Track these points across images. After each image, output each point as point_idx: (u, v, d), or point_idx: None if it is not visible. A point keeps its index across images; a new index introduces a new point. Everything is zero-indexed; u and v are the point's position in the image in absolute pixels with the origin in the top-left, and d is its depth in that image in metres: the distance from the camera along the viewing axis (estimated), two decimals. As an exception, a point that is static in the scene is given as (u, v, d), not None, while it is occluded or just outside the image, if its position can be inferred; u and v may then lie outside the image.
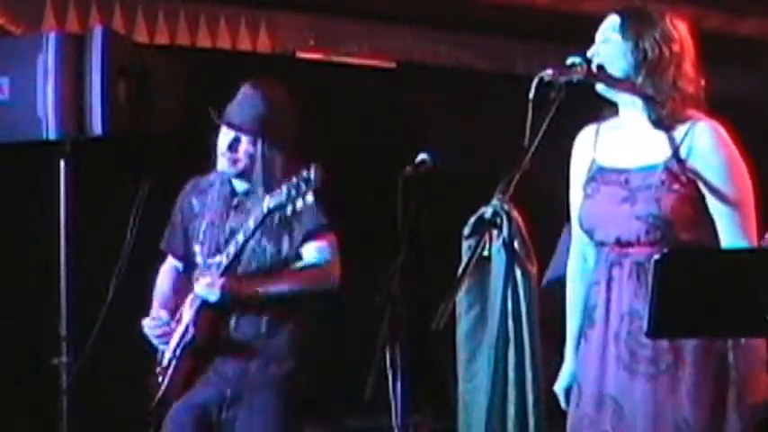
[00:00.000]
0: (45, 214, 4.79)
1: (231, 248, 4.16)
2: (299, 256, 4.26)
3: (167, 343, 4.26)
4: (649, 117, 3.34)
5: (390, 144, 6.26)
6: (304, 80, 6.09)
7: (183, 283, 4.38)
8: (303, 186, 3.97)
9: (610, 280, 3.36)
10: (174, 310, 4.33)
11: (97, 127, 4.60)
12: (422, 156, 4.57)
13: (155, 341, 4.28)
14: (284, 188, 4.00)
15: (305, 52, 6.63)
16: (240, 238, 4.13)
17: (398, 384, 4.35)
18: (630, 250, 3.32)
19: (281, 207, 4.01)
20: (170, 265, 4.47)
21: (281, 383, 4.23)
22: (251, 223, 4.11)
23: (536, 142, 3.20)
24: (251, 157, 4.22)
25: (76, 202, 4.75)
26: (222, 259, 4.18)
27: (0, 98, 4.70)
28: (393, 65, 6.82)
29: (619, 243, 3.33)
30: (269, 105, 4.22)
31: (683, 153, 3.30)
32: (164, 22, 6.24)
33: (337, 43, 6.77)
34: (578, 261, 3.55)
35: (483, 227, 3.23)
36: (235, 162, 4.24)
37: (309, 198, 3.96)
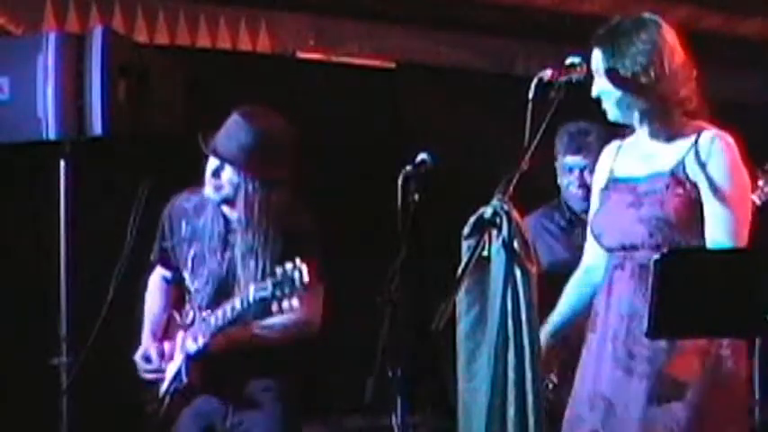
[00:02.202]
0: (45, 214, 4.79)
1: (219, 318, 4.13)
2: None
3: (161, 379, 4.28)
4: (650, 132, 3.40)
5: (390, 144, 6.27)
6: (304, 80, 6.10)
7: (172, 294, 4.37)
8: (287, 289, 3.96)
9: (611, 283, 3.38)
10: (165, 329, 4.34)
11: (97, 127, 4.59)
12: (422, 156, 4.57)
13: (147, 377, 4.31)
14: (269, 284, 3.98)
15: (305, 52, 6.63)
16: (229, 313, 4.10)
17: (398, 384, 4.34)
18: (635, 254, 3.34)
19: (264, 300, 4.01)
20: (158, 277, 4.46)
21: (281, 390, 4.23)
22: (237, 305, 4.09)
23: (535, 142, 3.21)
24: (235, 186, 4.18)
25: (76, 202, 4.75)
26: (211, 321, 4.15)
27: (0, 98, 4.69)
28: (393, 65, 6.81)
29: (624, 247, 3.37)
30: (255, 137, 4.15)
31: (689, 161, 3.34)
32: (164, 22, 6.24)
33: (337, 43, 6.77)
34: (582, 270, 3.61)
35: (483, 227, 3.23)
36: (218, 189, 4.22)
37: (294, 303, 3.96)
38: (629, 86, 3.34)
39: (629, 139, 3.52)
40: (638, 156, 3.46)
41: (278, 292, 3.96)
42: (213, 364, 4.21)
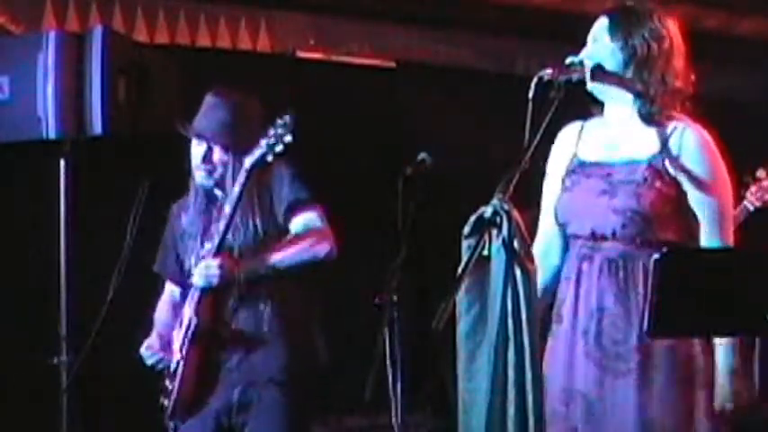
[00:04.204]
0: (45, 214, 4.79)
1: (221, 224, 4.14)
2: (286, 231, 4.23)
3: (168, 362, 4.25)
4: (639, 112, 3.37)
5: (390, 144, 6.27)
6: (304, 80, 6.10)
7: (181, 311, 4.35)
8: (280, 131, 4.03)
9: (579, 274, 3.38)
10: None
11: (97, 126, 4.60)
12: (422, 156, 4.57)
13: (157, 366, 4.28)
14: (262, 142, 4.05)
15: (305, 52, 6.63)
16: (227, 209, 4.12)
17: (398, 384, 4.34)
18: (604, 244, 3.34)
19: (262, 157, 4.06)
20: (167, 294, 4.44)
21: (287, 380, 4.20)
22: (236, 188, 4.11)
23: (535, 142, 3.21)
24: (225, 165, 4.22)
25: (76, 201, 4.75)
26: (215, 239, 4.16)
27: (0, 98, 4.69)
28: (393, 65, 6.81)
29: (593, 236, 3.36)
30: (234, 111, 4.22)
31: (667, 153, 3.32)
32: (164, 22, 6.24)
33: (337, 43, 6.77)
34: (540, 254, 3.53)
35: (483, 226, 3.23)
36: (210, 173, 4.24)
37: (288, 138, 4.02)
38: (632, 60, 3.33)
39: (592, 121, 3.48)
40: (609, 139, 3.42)
41: (271, 141, 4.05)
42: (222, 307, 4.19)
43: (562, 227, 3.45)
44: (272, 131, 4.05)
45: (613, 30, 3.37)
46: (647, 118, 3.36)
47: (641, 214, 3.28)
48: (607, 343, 3.30)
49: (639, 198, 3.29)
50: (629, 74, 3.35)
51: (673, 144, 3.32)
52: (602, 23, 3.41)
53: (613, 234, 3.31)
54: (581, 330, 3.35)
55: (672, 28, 3.40)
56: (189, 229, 4.33)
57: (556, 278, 3.49)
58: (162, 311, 4.42)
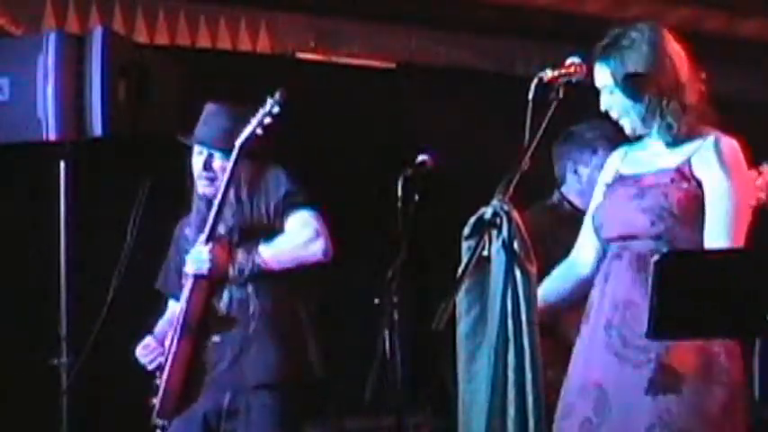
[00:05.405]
0: (45, 214, 4.79)
1: (213, 210, 4.15)
2: (281, 230, 4.23)
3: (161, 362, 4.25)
4: (665, 141, 3.42)
5: (390, 144, 6.27)
6: (304, 80, 6.10)
7: None
8: (269, 106, 4.08)
9: (608, 274, 3.42)
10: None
11: (97, 127, 4.60)
12: (422, 156, 4.57)
13: (150, 366, 4.28)
14: (252, 119, 4.11)
15: (305, 53, 6.63)
16: (221, 188, 4.13)
17: (398, 384, 4.34)
18: (633, 243, 3.37)
19: (252, 132, 4.11)
20: (169, 313, 4.42)
21: (277, 385, 4.19)
22: (228, 165, 4.13)
23: (535, 142, 3.22)
24: (226, 172, 4.21)
25: (76, 202, 4.75)
26: (206, 229, 4.16)
27: (0, 98, 4.69)
28: (393, 65, 6.81)
29: (622, 237, 3.40)
30: (233, 118, 4.23)
31: (695, 161, 3.37)
32: (164, 22, 6.24)
33: (337, 43, 6.77)
34: (567, 263, 3.62)
35: (483, 227, 3.23)
36: (212, 180, 4.24)
37: (276, 110, 4.07)
38: (649, 91, 3.34)
39: (636, 145, 3.54)
40: (645, 155, 3.50)
41: (260, 116, 4.10)
42: (212, 298, 4.20)
43: (596, 232, 3.51)
44: (261, 109, 4.10)
45: (605, 75, 3.39)
46: (670, 143, 3.41)
47: (669, 211, 3.33)
48: (630, 334, 3.31)
49: (667, 196, 3.34)
50: (649, 114, 3.39)
51: (697, 155, 3.37)
52: (603, 71, 3.42)
53: (642, 232, 3.35)
54: (603, 323, 3.38)
55: (667, 44, 3.41)
56: (193, 240, 4.31)
57: (575, 289, 3.54)
58: (163, 324, 4.40)
